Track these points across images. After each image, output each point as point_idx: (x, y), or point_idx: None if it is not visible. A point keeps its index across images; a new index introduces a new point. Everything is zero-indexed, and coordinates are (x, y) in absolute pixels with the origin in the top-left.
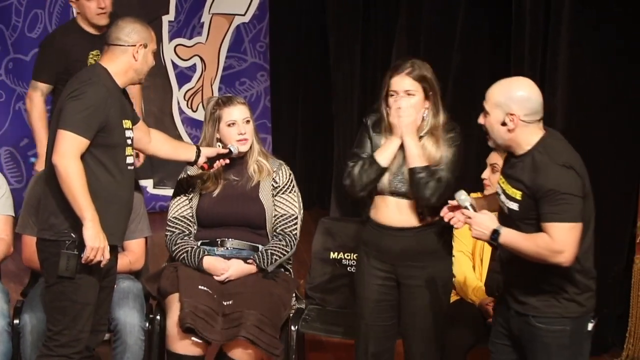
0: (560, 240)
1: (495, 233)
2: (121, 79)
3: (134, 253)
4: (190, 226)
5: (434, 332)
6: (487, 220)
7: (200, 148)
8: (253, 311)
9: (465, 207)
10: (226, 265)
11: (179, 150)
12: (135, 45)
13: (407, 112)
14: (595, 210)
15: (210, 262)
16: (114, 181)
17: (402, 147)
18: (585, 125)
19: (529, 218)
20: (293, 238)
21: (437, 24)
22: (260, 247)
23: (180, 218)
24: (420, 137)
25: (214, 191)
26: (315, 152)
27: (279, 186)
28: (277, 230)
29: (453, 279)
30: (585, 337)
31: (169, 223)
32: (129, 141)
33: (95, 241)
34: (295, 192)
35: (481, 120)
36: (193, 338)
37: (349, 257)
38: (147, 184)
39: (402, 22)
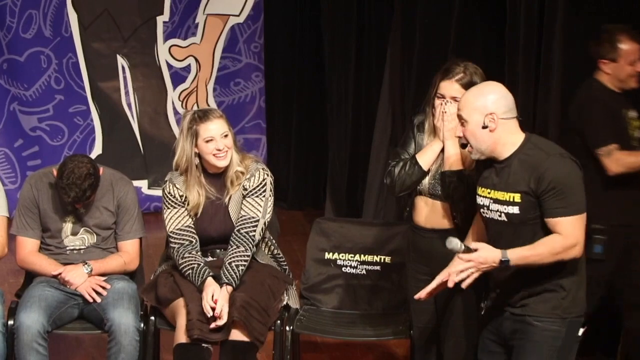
0: (571, 234)
1: (505, 260)
2: None
3: (128, 254)
4: (193, 235)
5: (467, 333)
6: (488, 253)
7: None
8: (241, 294)
9: (463, 251)
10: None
11: None
12: None
13: (451, 118)
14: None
15: (211, 289)
16: None
17: (443, 150)
18: None
19: (531, 218)
20: (250, 239)
21: (431, 25)
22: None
23: (183, 229)
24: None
25: (197, 213)
26: (309, 153)
27: (248, 190)
28: (235, 231)
29: None
30: (575, 342)
31: (172, 235)
32: None
33: None
34: (264, 197)
35: (459, 132)
36: (203, 345)
37: (344, 258)
38: (142, 184)
39: (396, 23)
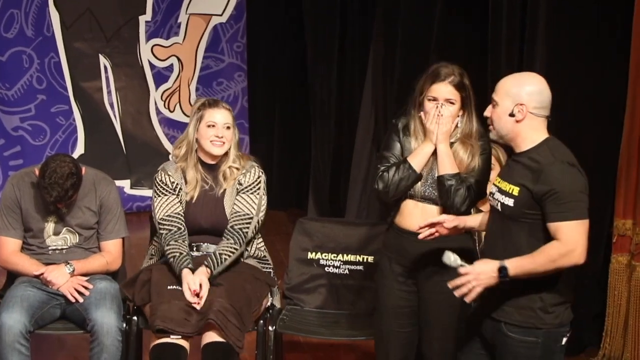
0: (569, 239)
1: (503, 270)
2: None
3: (110, 254)
4: (182, 222)
5: (452, 338)
6: (484, 265)
7: None
8: (220, 299)
9: (460, 266)
10: (198, 288)
11: None
12: None
13: (446, 120)
14: None
15: (186, 279)
16: None
17: (434, 153)
18: (562, 125)
19: (522, 216)
20: (242, 236)
21: (413, 28)
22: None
23: (173, 215)
24: (452, 144)
25: (192, 197)
26: (292, 153)
27: (243, 186)
28: (229, 227)
29: None
30: (558, 352)
31: (162, 222)
32: None
33: None
34: (258, 194)
35: (487, 112)
36: (171, 337)
37: (327, 258)
38: (124, 184)
39: (378, 25)
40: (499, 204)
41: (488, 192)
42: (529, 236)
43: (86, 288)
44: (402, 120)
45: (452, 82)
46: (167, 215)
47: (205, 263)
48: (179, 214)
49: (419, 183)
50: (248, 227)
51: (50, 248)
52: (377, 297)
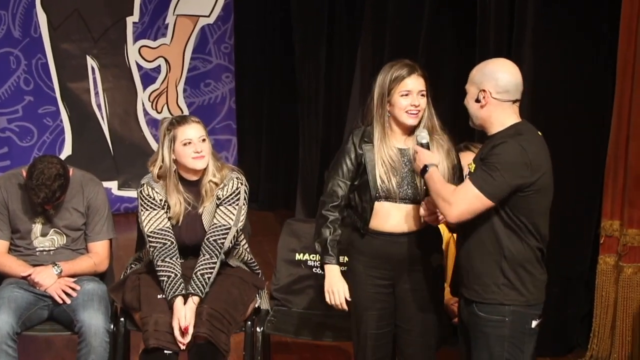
0: (457, 195)
1: (425, 168)
2: None
3: (98, 255)
4: (172, 237)
5: (431, 334)
6: (426, 156)
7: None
8: (205, 306)
9: (421, 144)
10: (189, 325)
11: None
12: None
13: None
14: (558, 208)
15: (178, 314)
16: None
17: (402, 152)
18: (549, 125)
19: None
20: (218, 247)
21: (402, 25)
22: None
23: (165, 229)
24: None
25: (178, 221)
26: (280, 154)
27: (221, 199)
28: (205, 239)
29: None
30: (528, 334)
31: (152, 236)
32: None
33: None
34: (236, 205)
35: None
36: (165, 352)
37: (315, 259)
38: (112, 185)
39: (367, 23)
40: None
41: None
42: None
43: (74, 289)
44: (356, 132)
45: (421, 74)
46: (157, 229)
47: (192, 291)
48: (168, 228)
49: (395, 185)
50: (225, 238)
51: (37, 249)
52: (352, 299)
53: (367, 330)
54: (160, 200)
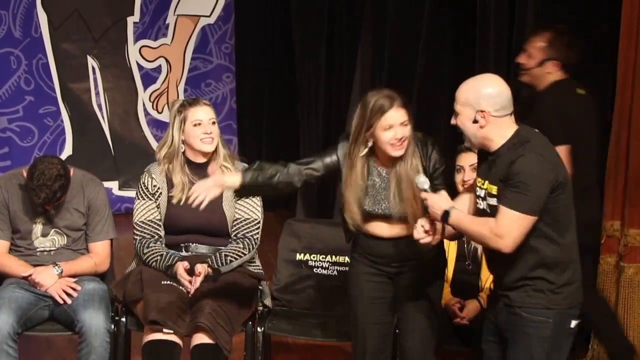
0: (503, 226)
1: (446, 214)
2: None
3: (99, 255)
4: (158, 230)
5: (431, 327)
6: (441, 201)
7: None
8: (210, 301)
9: (424, 190)
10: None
11: None
12: None
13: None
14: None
15: (181, 272)
16: None
17: (380, 173)
18: None
19: None
20: (253, 242)
21: (402, 25)
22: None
23: (148, 222)
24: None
25: (180, 200)
26: (281, 153)
27: None
28: (239, 235)
29: None
30: (566, 334)
31: (137, 227)
32: None
33: None
34: (257, 196)
35: (453, 121)
36: (164, 330)
37: (315, 259)
38: (112, 185)
39: (367, 23)
40: (487, 205)
41: (476, 196)
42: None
43: (74, 289)
44: (342, 145)
45: (401, 105)
46: (144, 220)
47: (208, 262)
48: (154, 221)
49: (370, 206)
50: (258, 232)
51: (38, 249)
52: (349, 291)
53: (363, 320)
54: (155, 187)
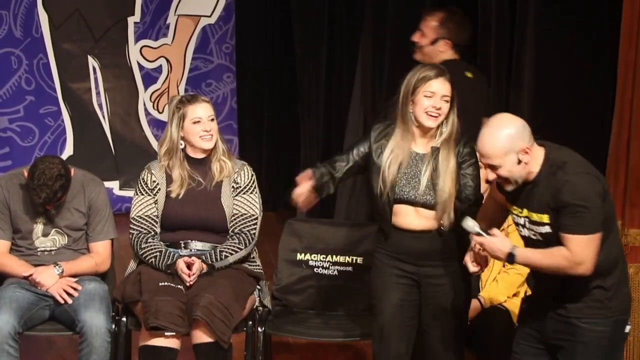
0: (580, 253)
1: (511, 256)
2: None
3: (99, 255)
4: (155, 226)
5: (455, 333)
6: (500, 244)
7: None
8: (206, 294)
9: (477, 234)
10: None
11: None
12: None
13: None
14: None
15: (182, 267)
16: None
17: (417, 156)
18: (551, 126)
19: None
20: (249, 237)
21: (402, 25)
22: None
23: (145, 217)
24: (437, 148)
25: (179, 194)
26: (281, 153)
27: (240, 186)
28: (235, 230)
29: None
30: (622, 339)
31: (134, 221)
32: None
33: None
34: (256, 193)
35: (491, 177)
36: (166, 334)
37: (316, 259)
38: (113, 185)
39: (367, 23)
40: (537, 234)
41: (514, 222)
42: None
43: (75, 289)
44: (376, 127)
45: (448, 79)
46: (142, 215)
47: (203, 257)
48: (151, 216)
49: (420, 192)
50: (255, 229)
51: (39, 249)
52: (375, 293)
53: (389, 322)
54: (153, 182)
